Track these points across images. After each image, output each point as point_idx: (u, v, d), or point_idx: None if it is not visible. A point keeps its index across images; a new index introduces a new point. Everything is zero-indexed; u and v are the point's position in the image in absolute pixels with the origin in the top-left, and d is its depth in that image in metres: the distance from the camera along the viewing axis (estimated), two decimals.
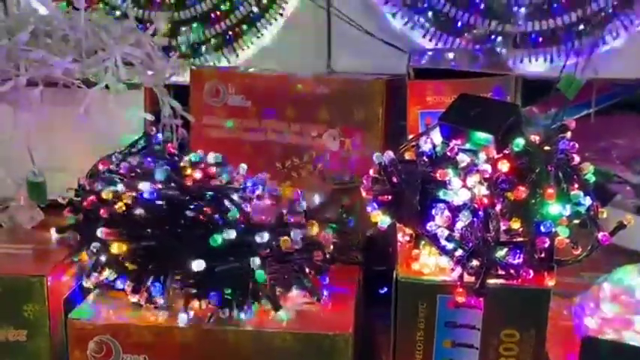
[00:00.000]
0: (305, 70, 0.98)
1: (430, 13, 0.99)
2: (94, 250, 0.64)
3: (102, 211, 0.64)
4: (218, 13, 1.06)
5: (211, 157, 0.71)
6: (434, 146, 0.64)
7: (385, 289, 0.72)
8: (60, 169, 0.76)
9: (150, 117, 0.78)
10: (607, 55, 0.96)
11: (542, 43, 0.98)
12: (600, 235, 0.59)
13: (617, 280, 0.63)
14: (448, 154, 0.63)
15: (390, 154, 0.64)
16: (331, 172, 0.81)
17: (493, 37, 0.99)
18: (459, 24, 0.99)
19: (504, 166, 0.58)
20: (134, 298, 0.63)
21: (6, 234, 0.74)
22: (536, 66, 0.99)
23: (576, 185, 0.61)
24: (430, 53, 0.92)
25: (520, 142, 0.60)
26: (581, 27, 0.97)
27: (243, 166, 0.71)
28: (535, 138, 0.63)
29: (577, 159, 0.61)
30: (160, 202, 0.64)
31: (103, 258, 0.64)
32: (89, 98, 0.74)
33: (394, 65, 0.97)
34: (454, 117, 0.64)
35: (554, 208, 0.58)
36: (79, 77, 0.75)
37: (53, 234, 0.71)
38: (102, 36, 0.75)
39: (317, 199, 0.79)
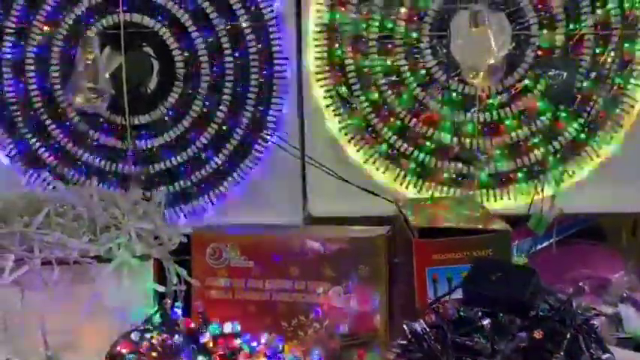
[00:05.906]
0: (281, 218, 1.02)
1: (402, 160, 1.06)
2: None
3: None
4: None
5: (228, 327, 0.72)
6: (457, 311, 0.68)
7: None
8: (75, 348, 0.74)
9: (161, 288, 0.78)
10: (569, 191, 1.05)
11: (505, 183, 1.06)
12: None
13: None
14: (473, 318, 0.66)
15: (422, 322, 0.67)
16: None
17: (460, 179, 1.06)
18: (428, 169, 1.06)
19: (538, 334, 0.63)
20: None
21: None
22: (500, 203, 1.06)
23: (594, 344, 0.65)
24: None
25: (545, 306, 0.65)
26: (539, 168, 1.06)
27: (266, 336, 0.73)
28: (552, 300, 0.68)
29: (594, 319, 0.67)
30: None
31: None
32: (102, 276, 0.73)
33: (370, 208, 1.02)
34: (476, 282, 0.69)
35: None
36: (92, 255, 0.74)
37: None
38: (114, 211, 0.75)
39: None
